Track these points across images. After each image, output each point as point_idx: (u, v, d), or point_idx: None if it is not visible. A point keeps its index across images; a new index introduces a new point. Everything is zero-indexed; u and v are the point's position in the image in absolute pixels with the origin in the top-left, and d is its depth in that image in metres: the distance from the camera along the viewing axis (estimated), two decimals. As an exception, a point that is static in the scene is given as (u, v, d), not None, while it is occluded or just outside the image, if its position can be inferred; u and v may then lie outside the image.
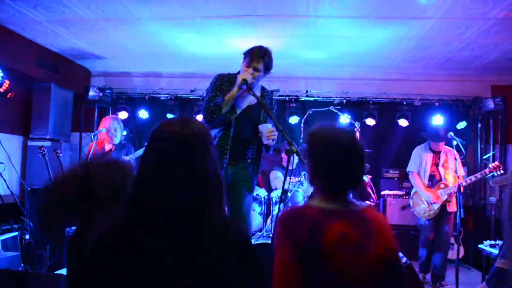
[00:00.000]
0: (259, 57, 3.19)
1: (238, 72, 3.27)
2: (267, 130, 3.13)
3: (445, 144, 5.22)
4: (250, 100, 3.28)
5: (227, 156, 3.24)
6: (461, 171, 5.10)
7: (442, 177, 5.11)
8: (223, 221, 1.33)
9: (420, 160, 5.24)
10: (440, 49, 5.61)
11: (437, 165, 5.18)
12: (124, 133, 5.49)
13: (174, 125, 1.32)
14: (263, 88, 3.48)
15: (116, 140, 5.15)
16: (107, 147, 5.12)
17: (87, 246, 1.28)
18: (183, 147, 1.28)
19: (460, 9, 4.29)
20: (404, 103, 6.82)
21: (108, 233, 1.28)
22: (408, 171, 5.36)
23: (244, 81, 3.09)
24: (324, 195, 1.65)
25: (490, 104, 6.31)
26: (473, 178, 5.00)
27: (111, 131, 5.10)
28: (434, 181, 5.17)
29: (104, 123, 5.16)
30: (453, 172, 5.06)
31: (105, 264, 1.22)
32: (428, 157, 5.20)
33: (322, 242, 1.48)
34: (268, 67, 3.26)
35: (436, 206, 5.02)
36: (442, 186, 5.05)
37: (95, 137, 5.03)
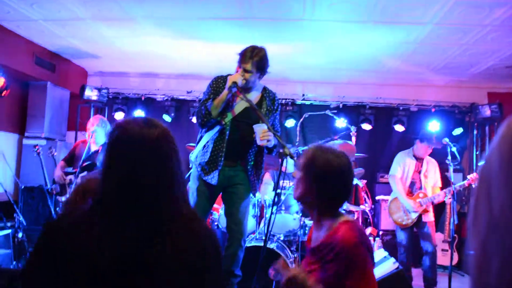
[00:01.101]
0: (248, 57, 3.14)
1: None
2: (261, 130, 3.05)
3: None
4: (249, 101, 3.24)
5: (222, 159, 3.21)
6: (439, 183, 5.14)
7: (422, 186, 5.08)
8: (184, 218, 1.31)
9: (403, 165, 5.17)
10: (437, 55, 5.61)
11: (419, 172, 5.16)
12: None
13: (136, 125, 1.31)
14: (264, 89, 3.43)
15: (102, 141, 5.05)
16: (93, 147, 5.01)
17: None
18: (149, 149, 1.28)
19: (458, 15, 4.29)
20: (401, 108, 6.82)
21: (66, 219, 1.30)
22: (390, 175, 5.27)
23: (234, 83, 3.06)
24: (335, 210, 1.91)
25: (487, 111, 6.32)
26: (454, 190, 4.71)
27: (93, 131, 5.00)
28: (414, 188, 5.14)
29: (94, 122, 5.10)
30: (432, 182, 5.09)
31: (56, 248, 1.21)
32: (411, 163, 5.16)
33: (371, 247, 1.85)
34: (260, 67, 3.20)
35: (414, 216, 4.98)
36: (421, 195, 5.01)
37: (90, 137, 5.00)
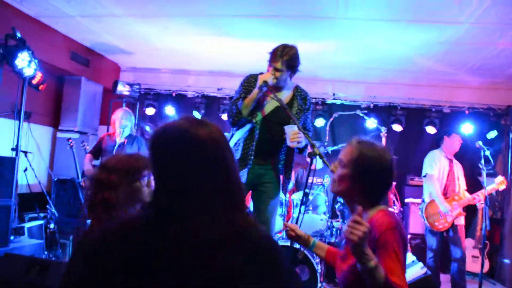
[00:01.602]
0: (278, 56, 3.12)
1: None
2: (292, 132, 3.02)
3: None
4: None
5: (252, 157, 3.21)
6: (465, 186, 5.02)
7: (457, 188, 4.94)
8: (242, 228, 1.17)
9: (439, 165, 4.97)
10: (472, 55, 5.46)
11: (453, 173, 4.99)
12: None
13: (184, 123, 1.21)
14: (296, 88, 3.40)
15: (126, 133, 5.15)
16: (119, 140, 5.11)
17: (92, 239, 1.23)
18: (194, 150, 1.17)
19: (495, 13, 4.17)
20: (433, 109, 6.68)
21: (117, 230, 1.20)
22: (427, 174, 5.03)
23: (265, 82, 3.04)
24: (377, 203, 1.90)
25: (523, 114, 6.12)
26: (486, 194, 4.66)
27: (122, 124, 5.11)
28: (449, 190, 4.97)
29: (123, 116, 5.17)
30: (463, 185, 4.94)
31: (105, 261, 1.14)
32: (445, 163, 4.99)
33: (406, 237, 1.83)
34: (290, 66, 3.17)
35: (450, 219, 4.83)
36: (456, 198, 4.88)
37: (123, 131, 5.10)
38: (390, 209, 5.24)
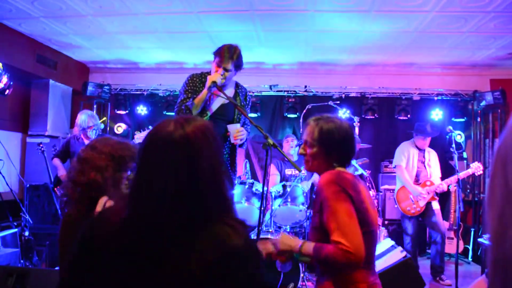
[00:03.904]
0: (228, 57, 3.20)
1: (210, 72, 3.29)
2: (235, 130, 3.22)
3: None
4: (223, 99, 3.26)
5: None
6: (439, 173, 5.21)
7: (429, 175, 5.13)
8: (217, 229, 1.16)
9: (407, 155, 5.19)
10: (439, 43, 5.59)
11: (423, 162, 5.19)
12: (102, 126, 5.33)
13: (168, 126, 1.19)
14: (237, 85, 3.51)
15: (93, 135, 4.99)
16: (87, 142, 4.90)
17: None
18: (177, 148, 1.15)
19: (459, 2, 4.28)
20: (403, 97, 6.81)
21: (99, 223, 1.23)
22: (396, 165, 5.30)
23: (214, 83, 3.12)
24: (341, 166, 1.98)
25: (489, 98, 6.31)
26: (458, 178, 4.83)
27: (88, 126, 4.93)
28: (420, 177, 5.17)
29: (91, 119, 4.97)
30: (436, 172, 5.13)
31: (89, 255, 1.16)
32: (415, 153, 5.19)
33: (362, 198, 1.85)
34: (238, 66, 3.30)
35: (422, 204, 5.01)
36: (428, 183, 5.05)
37: (96, 133, 4.99)
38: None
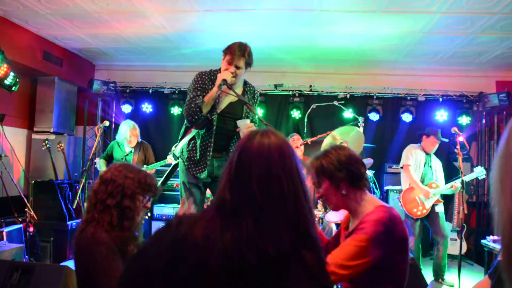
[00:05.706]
0: (240, 55, 3.16)
1: (219, 70, 3.26)
2: (245, 125, 3.18)
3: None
4: (232, 96, 3.25)
5: (211, 153, 3.28)
6: (443, 181, 5.19)
7: (434, 177, 5.11)
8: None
9: (415, 156, 5.17)
10: (445, 44, 5.58)
11: (430, 166, 5.17)
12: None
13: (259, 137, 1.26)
14: (245, 83, 3.48)
15: (133, 143, 5.49)
16: (128, 149, 5.53)
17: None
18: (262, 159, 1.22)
19: (466, 3, 4.27)
20: (408, 98, 6.80)
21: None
22: (403, 165, 5.23)
23: (224, 81, 3.10)
24: (357, 189, 1.96)
25: (495, 100, 6.28)
26: (463, 180, 4.78)
27: (128, 137, 5.43)
28: (426, 179, 5.13)
29: (134, 132, 5.48)
30: (441, 178, 5.12)
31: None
32: (422, 156, 5.17)
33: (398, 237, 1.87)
34: (249, 64, 3.25)
35: (428, 206, 4.97)
36: (433, 185, 5.02)
37: (99, 130, 5.10)
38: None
